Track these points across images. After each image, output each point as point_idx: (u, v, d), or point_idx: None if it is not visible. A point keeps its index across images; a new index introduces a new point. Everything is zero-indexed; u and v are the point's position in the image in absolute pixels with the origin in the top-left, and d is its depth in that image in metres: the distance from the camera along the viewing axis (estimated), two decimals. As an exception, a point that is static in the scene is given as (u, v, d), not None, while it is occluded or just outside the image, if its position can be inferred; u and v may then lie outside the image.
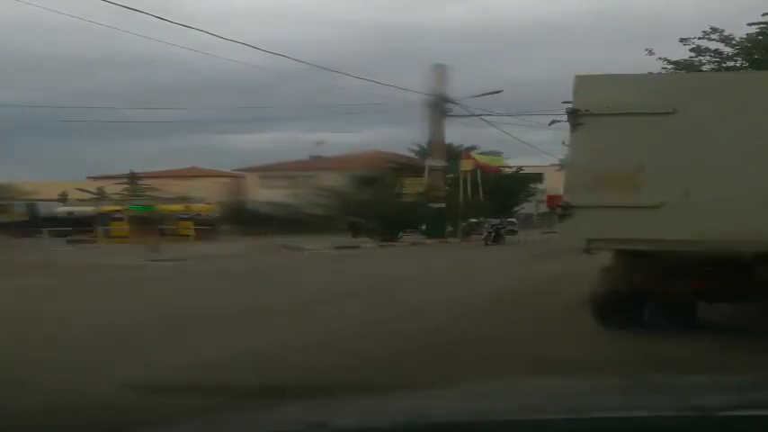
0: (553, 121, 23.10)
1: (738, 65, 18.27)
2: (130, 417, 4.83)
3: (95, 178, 59.32)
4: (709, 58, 18.43)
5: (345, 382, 6.25)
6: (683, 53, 18.63)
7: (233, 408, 4.89)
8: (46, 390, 5.92)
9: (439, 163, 42.39)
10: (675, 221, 8.18)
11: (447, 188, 43.56)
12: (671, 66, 18.30)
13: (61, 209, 43.85)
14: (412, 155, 52.91)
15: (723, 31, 18.18)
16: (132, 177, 57.66)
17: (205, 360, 7.42)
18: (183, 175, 59.15)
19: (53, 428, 5.10)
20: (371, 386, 5.93)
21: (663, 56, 18.46)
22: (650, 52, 18.33)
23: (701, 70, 17.62)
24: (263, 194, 45.00)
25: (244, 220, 37.81)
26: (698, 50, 18.33)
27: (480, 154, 49.43)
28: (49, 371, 6.88)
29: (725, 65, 18.28)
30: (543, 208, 50.29)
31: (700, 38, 18.29)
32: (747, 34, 18.28)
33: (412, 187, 42.65)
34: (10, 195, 44.03)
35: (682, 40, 18.28)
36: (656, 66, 18.14)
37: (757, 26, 18.10)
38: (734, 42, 18.28)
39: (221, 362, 7.35)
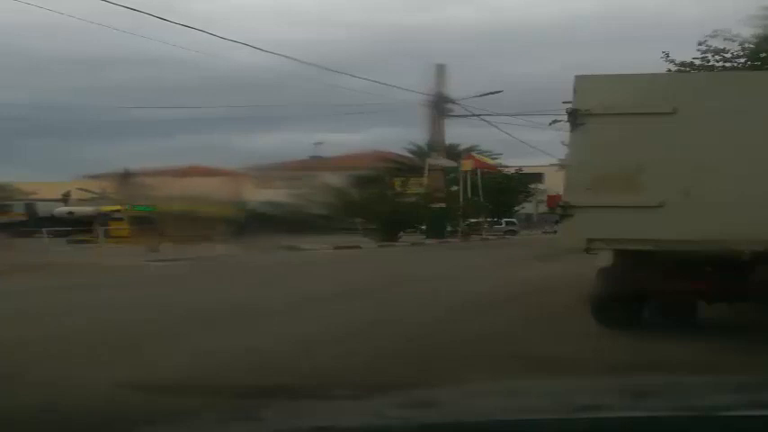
0: (554, 121, 23.05)
1: (742, 63, 18.21)
2: (130, 416, 4.82)
3: (91, 177, 58.99)
4: (718, 57, 18.40)
5: (345, 382, 6.24)
6: (687, 54, 18.63)
7: (233, 408, 4.88)
8: (46, 388, 5.92)
9: (446, 162, 42.37)
10: (675, 221, 8.18)
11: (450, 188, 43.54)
12: (676, 67, 18.29)
13: (61, 209, 43.84)
14: (410, 155, 52.89)
15: (730, 30, 18.15)
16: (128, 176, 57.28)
17: (205, 360, 7.42)
18: (183, 173, 58.77)
19: (52, 427, 5.09)
20: (371, 386, 5.92)
21: (672, 58, 18.49)
22: (667, 56, 18.34)
23: (710, 70, 17.60)
24: (263, 194, 44.91)
25: (244, 220, 37.76)
26: (708, 50, 18.32)
27: (478, 153, 49.43)
28: (49, 370, 6.88)
29: (729, 64, 18.23)
30: (543, 208, 50.28)
31: (702, 42, 18.29)
32: (755, 36, 18.18)
33: (412, 187, 42.64)
34: (8, 195, 44.01)
35: (700, 43, 18.30)
36: (654, 67, 18.14)
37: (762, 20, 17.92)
38: (738, 42, 18.23)
39: (221, 362, 7.35)
